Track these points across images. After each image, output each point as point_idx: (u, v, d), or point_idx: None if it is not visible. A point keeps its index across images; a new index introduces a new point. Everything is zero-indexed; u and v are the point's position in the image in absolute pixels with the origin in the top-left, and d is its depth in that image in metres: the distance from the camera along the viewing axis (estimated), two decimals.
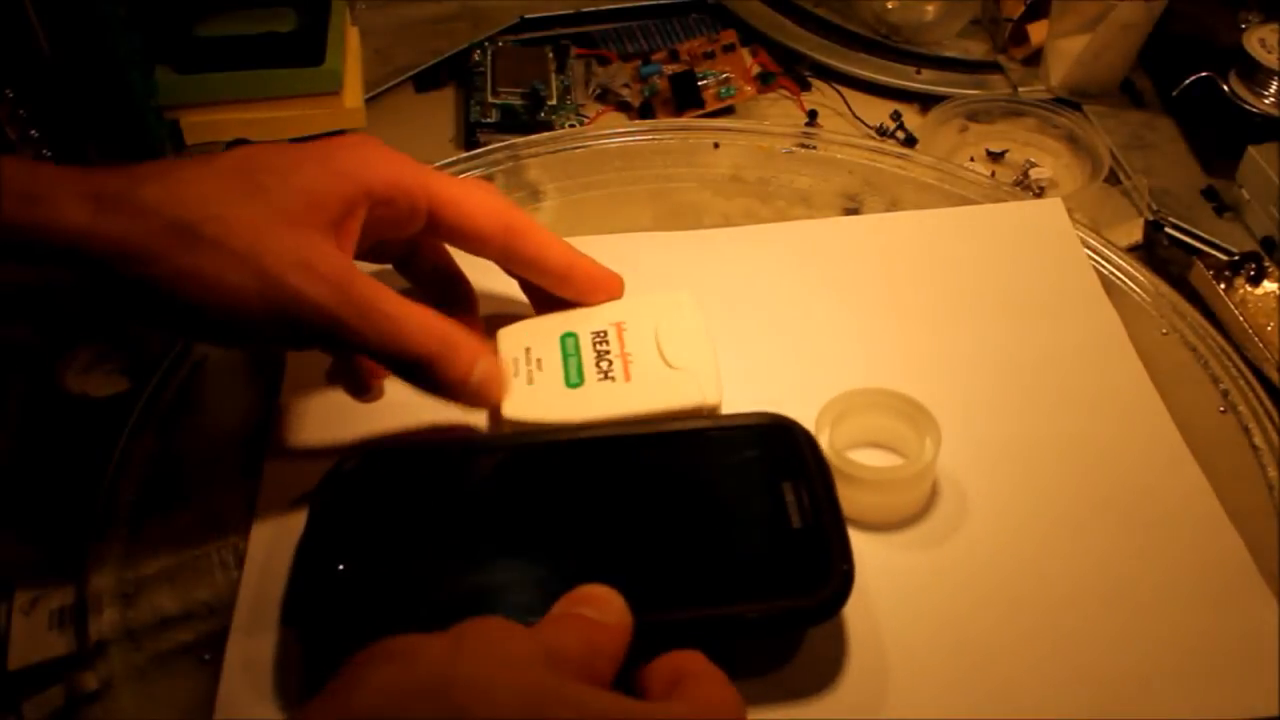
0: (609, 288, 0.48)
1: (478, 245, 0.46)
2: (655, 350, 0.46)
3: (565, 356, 0.46)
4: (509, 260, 0.46)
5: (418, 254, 0.48)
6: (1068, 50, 0.68)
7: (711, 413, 0.45)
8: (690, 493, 0.40)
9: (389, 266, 0.49)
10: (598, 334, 0.46)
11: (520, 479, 0.41)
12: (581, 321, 0.47)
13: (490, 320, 0.49)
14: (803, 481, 0.40)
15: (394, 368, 0.42)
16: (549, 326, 0.47)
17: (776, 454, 0.41)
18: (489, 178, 0.60)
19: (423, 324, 0.41)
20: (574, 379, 0.45)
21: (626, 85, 0.71)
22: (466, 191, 0.45)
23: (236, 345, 0.49)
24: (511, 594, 0.38)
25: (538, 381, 0.45)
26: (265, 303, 0.39)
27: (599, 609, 0.35)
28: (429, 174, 0.44)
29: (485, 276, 0.49)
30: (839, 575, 0.38)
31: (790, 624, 0.39)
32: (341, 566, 0.38)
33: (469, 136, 0.67)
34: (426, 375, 0.41)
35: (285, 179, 0.40)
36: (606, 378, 0.45)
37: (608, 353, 0.46)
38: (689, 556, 0.38)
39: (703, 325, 0.47)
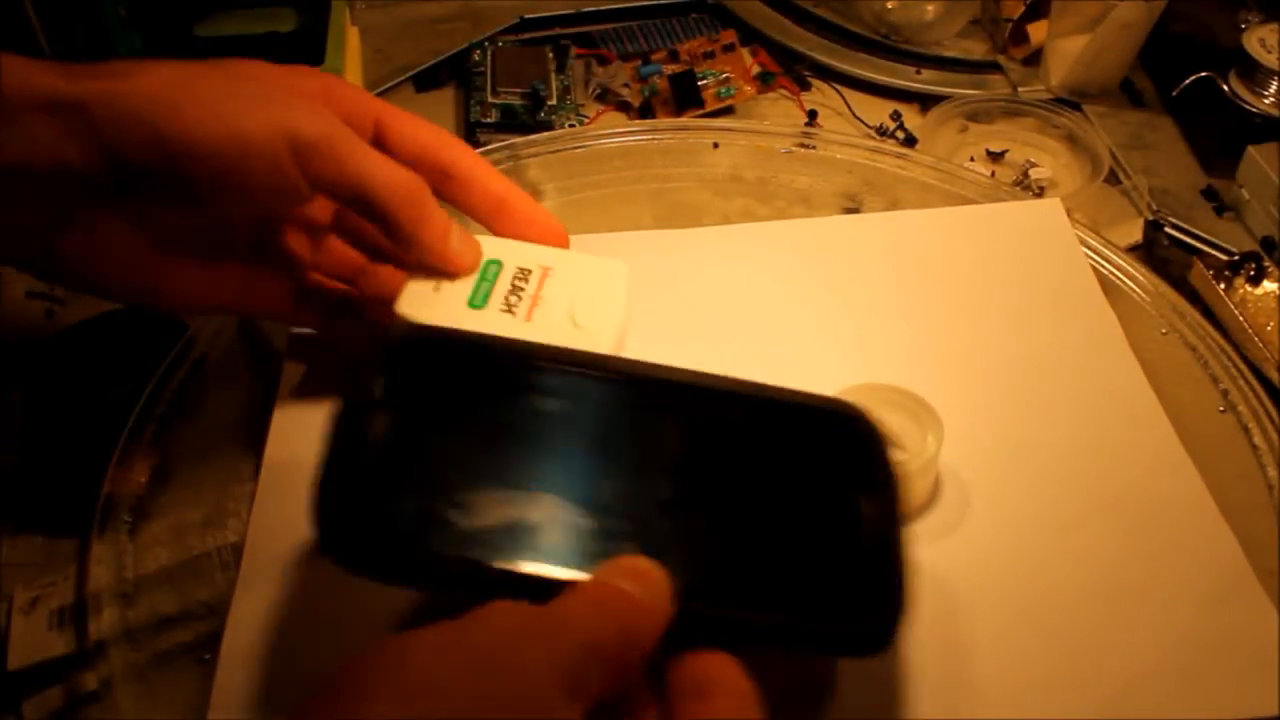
0: (548, 230, 0.47)
1: (418, 154, 0.45)
2: (567, 302, 0.45)
3: (480, 280, 0.45)
4: (447, 178, 0.45)
5: None
6: (1068, 50, 0.68)
7: None
8: (758, 473, 0.37)
9: None
10: (522, 270, 0.45)
11: (576, 406, 0.37)
12: (513, 254, 0.46)
13: None
14: (873, 493, 0.36)
15: (373, 206, 0.42)
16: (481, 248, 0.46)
17: (850, 454, 0.37)
18: None
19: (406, 171, 0.42)
20: (478, 301, 0.44)
21: (626, 85, 0.71)
22: (410, 113, 0.46)
23: (221, 201, 0.42)
24: (551, 537, 0.34)
25: (444, 291, 0.44)
26: (265, 126, 0.39)
27: (642, 585, 0.32)
28: (376, 98, 0.46)
29: None
30: (893, 607, 0.34)
31: (833, 649, 0.36)
32: (375, 480, 0.34)
33: (469, 136, 0.67)
34: (408, 216, 0.42)
35: (253, 72, 0.42)
36: (509, 311, 0.44)
37: (521, 289, 0.45)
38: (744, 549, 0.35)
39: (624, 297, 0.46)
